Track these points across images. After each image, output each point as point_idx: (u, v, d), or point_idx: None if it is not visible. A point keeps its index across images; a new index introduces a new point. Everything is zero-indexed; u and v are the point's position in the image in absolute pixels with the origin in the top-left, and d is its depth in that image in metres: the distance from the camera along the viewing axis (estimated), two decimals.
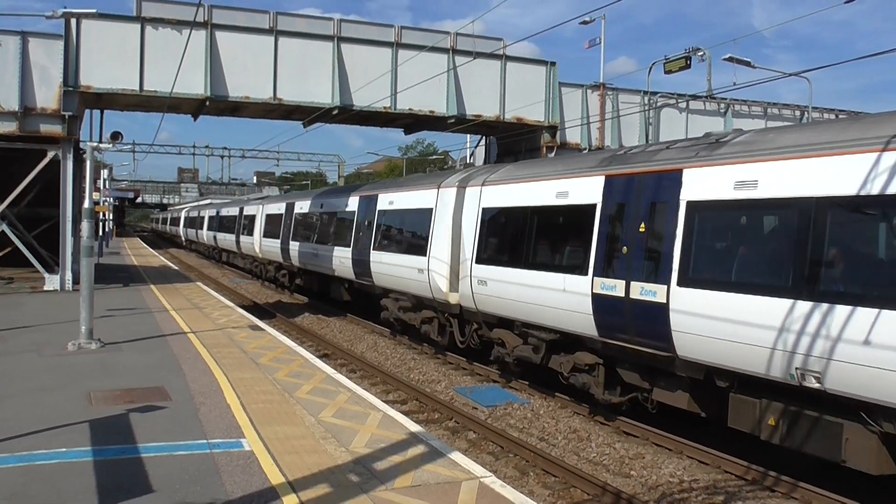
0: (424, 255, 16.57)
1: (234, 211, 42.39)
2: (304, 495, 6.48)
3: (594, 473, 9.75)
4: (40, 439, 7.82)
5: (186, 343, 14.08)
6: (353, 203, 22.22)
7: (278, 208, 31.51)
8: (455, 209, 15.80)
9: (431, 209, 16.73)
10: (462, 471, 7.29)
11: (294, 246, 28.03)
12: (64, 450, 7.51)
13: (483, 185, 15.06)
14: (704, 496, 9.03)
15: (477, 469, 7.42)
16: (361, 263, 20.50)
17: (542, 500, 9.03)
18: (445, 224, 15.99)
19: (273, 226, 31.73)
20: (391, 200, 19.40)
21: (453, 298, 15.59)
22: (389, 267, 18.62)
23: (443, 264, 15.82)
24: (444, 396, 13.88)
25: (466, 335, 15.83)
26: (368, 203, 20.88)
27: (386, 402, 11.20)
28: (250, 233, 35.92)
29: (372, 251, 19.72)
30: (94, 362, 12.16)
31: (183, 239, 71.09)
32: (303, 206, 28.13)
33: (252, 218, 36.06)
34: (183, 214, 71.32)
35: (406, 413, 11.14)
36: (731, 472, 9.77)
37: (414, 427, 8.89)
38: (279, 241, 30.10)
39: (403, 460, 7.52)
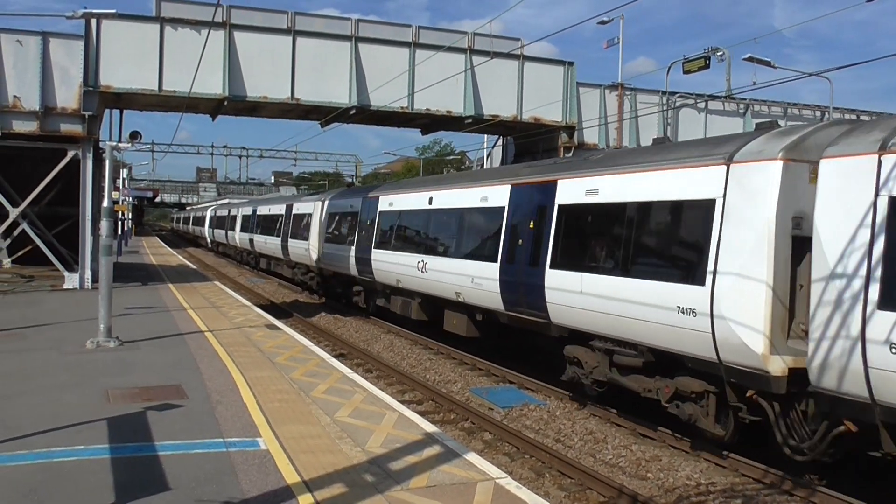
0: (699, 282, 9.65)
1: (278, 209, 34.92)
2: (319, 495, 6.48)
3: (610, 475, 9.69)
4: (58, 436, 7.88)
5: (203, 342, 14.15)
6: (498, 195, 15.38)
7: (350, 205, 24.68)
8: (781, 202, 8.91)
9: (711, 201, 9.75)
10: (477, 472, 7.27)
11: (380, 256, 20.91)
12: (81, 447, 7.56)
13: (885, 151, 7.76)
14: (722, 500, 8.94)
15: (492, 470, 7.40)
16: (524, 288, 13.80)
17: (558, 501, 9.00)
18: (755, 229, 9.09)
19: (342, 228, 25.21)
20: (590, 188, 12.45)
21: (776, 366, 8.80)
22: (593, 300, 11.71)
23: (752, 303, 8.97)
24: (459, 397, 13.86)
25: (818, 440, 8.61)
26: (534, 194, 14.11)
27: (402, 402, 11.19)
28: (304, 236, 29.14)
29: (548, 270, 13.01)
30: (112, 360, 12.26)
31: (208, 240, 64.30)
32: (394, 202, 21.05)
33: (307, 218, 29.20)
34: (209, 213, 64.11)
35: (422, 413, 11.10)
36: (748, 476, 9.66)
37: (429, 427, 8.88)
38: (352, 248, 23.20)
39: (419, 461, 7.50)
